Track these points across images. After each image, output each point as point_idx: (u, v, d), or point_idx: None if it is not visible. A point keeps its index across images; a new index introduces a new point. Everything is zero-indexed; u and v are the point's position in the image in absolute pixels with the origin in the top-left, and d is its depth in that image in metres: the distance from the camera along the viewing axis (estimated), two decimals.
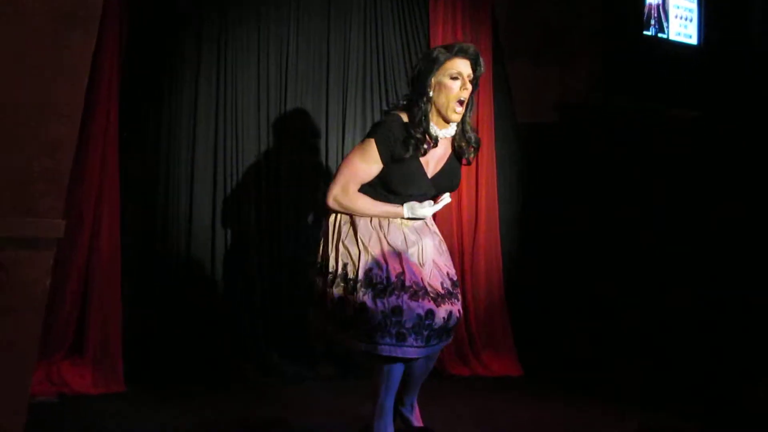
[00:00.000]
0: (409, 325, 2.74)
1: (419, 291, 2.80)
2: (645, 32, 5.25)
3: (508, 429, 3.61)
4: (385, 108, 4.69)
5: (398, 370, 2.91)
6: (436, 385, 3.91)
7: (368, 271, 2.81)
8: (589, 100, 5.02)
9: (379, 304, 2.75)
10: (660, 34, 5.32)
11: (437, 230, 3.16)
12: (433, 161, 3.02)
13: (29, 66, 1.99)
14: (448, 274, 3.01)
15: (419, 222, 3.03)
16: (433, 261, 2.96)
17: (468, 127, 3.03)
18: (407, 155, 2.90)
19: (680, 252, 4.71)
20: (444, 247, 3.12)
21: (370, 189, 2.98)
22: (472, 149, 3.06)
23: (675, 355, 4.59)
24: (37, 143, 1.98)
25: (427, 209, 2.98)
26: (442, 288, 2.91)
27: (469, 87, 2.91)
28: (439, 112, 2.93)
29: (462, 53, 2.91)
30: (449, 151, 3.07)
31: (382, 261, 2.84)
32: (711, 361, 4.38)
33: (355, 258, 2.86)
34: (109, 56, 3.89)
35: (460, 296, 3.04)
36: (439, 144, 2.99)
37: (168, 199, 4.32)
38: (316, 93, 4.67)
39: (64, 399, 3.68)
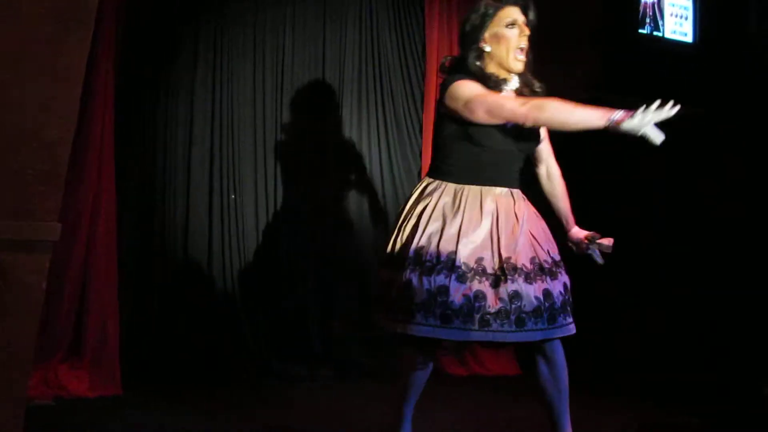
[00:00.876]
0: (456, 305, 2.56)
1: (468, 273, 2.59)
2: (641, 30, 5.26)
3: (505, 428, 3.61)
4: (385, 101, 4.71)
5: (420, 371, 2.84)
6: (433, 385, 3.91)
7: (419, 249, 2.64)
8: (587, 98, 5.02)
9: (424, 281, 2.59)
10: (655, 33, 5.33)
11: (530, 206, 2.82)
12: None
13: (26, 69, 1.99)
14: (546, 251, 2.72)
15: (503, 191, 2.73)
16: (507, 235, 2.67)
17: (530, 77, 2.82)
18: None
19: (680, 251, 4.71)
20: (541, 225, 2.80)
21: (450, 141, 2.75)
22: (537, 96, 2.78)
23: (676, 353, 4.60)
24: (33, 146, 1.98)
25: (645, 122, 2.47)
26: (531, 263, 2.65)
27: (527, 32, 2.73)
28: (500, 65, 2.75)
29: (512, 1, 2.75)
30: None
31: (437, 239, 2.63)
32: (713, 359, 4.40)
33: (411, 237, 2.68)
34: (104, 59, 3.87)
35: (562, 272, 2.72)
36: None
37: (165, 201, 4.32)
38: (312, 94, 4.66)
39: (61, 402, 3.65)
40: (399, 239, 2.73)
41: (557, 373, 2.73)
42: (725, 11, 5.44)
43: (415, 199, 2.77)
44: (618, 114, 2.48)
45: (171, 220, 4.33)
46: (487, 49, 2.73)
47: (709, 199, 4.68)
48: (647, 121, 2.47)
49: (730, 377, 4.24)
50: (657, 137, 2.49)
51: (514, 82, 2.79)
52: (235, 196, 4.46)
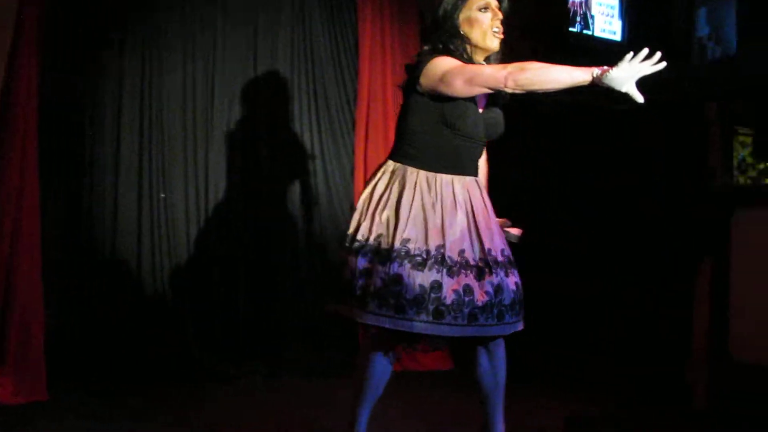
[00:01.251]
0: (448, 302, 2.53)
1: (454, 266, 2.57)
2: (571, 29, 5.34)
3: (437, 423, 3.63)
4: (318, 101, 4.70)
5: (384, 368, 2.77)
6: None
7: (405, 242, 2.56)
8: (517, 96, 5.09)
9: (417, 277, 2.53)
10: (585, 31, 5.41)
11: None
12: (476, 100, 2.76)
13: None
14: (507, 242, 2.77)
15: (470, 180, 2.74)
16: (485, 226, 2.68)
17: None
18: None
19: (606, 244, 4.80)
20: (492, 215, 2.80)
21: (421, 124, 2.70)
22: None
23: (606, 344, 4.69)
24: None
25: (628, 77, 2.49)
26: (502, 255, 2.68)
27: (500, 15, 2.74)
28: (476, 47, 2.73)
29: None
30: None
31: (423, 230, 2.59)
32: (643, 350, 4.49)
33: (392, 227, 2.60)
34: (26, 58, 3.77)
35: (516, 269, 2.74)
36: None
37: (92, 200, 4.24)
38: (244, 91, 4.62)
39: None
40: (374, 226, 2.64)
41: (497, 366, 2.77)
42: (652, 9, 5.56)
43: (386, 184, 2.71)
44: (602, 69, 2.50)
45: (99, 220, 4.25)
46: (462, 32, 2.72)
47: (630, 192, 4.77)
48: (633, 73, 2.50)
49: (656, 368, 4.34)
50: (638, 96, 2.52)
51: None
52: (164, 194, 4.39)
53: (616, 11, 5.54)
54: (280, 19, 4.72)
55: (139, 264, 4.32)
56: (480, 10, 2.72)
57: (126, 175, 4.31)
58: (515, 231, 2.85)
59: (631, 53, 2.50)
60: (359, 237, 2.65)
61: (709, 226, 4.06)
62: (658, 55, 2.51)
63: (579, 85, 2.54)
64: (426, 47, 2.77)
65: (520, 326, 2.71)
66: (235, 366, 4.37)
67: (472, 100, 2.70)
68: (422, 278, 2.53)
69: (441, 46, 2.72)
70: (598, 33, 5.48)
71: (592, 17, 5.45)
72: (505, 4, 2.78)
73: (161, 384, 4.08)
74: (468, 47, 2.73)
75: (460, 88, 2.60)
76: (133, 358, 4.16)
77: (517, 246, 2.82)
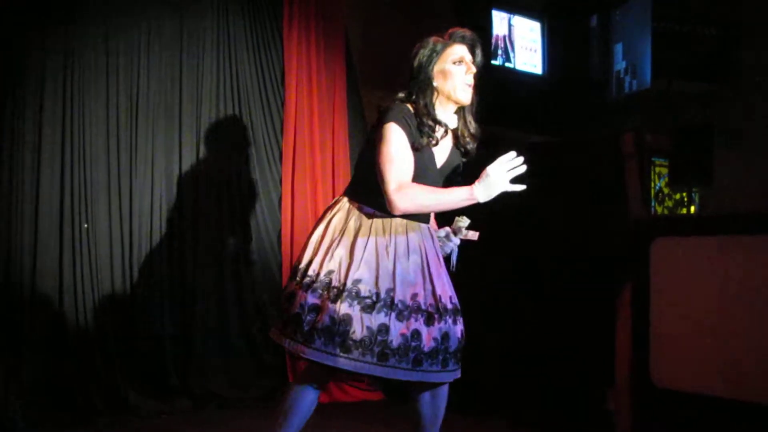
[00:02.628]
0: (394, 345, 2.58)
1: (404, 311, 2.61)
2: (493, 62, 5.45)
3: None
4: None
5: (312, 400, 2.77)
6: None
7: (356, 282, 2.60)
8: None
9: (365, 319, 2.57)
10: (507, 64, 5.54)
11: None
12: (438, 153, 2.83)
13: None
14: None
15: (424, 227, 2.80)
16: (437, 273, 2.75)
17: (470, 117, 2.86)
18: (423, 143, 2.73)
19: (526, 273, 4.87)
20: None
21: (376, 187, 2.71)
22: (473, 138, 2.88)
23: (527, 371, 4.74)
24: None
25: (500, 181, 2.61)
26: (451, 303, 2.74)
27: (474, 69, 2.77)
28: (448, 99, 2.78)
29: (460, 39, 2.79)
30: (451, 143, 2.88)
31: (374, 273, 2.63)
32: (565, 377, 4.56)
33: (344, 266, 2.64)
34: None
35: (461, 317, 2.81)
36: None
37: (11, 230, 4.10)
38: (168, 120, 4.57)
39: None
40: (326, 262, 2.66)
41: (438, 403, 2.82)
42: (572, 45, 5.73)
43: (343, 221, 2.73)
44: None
45: (17, 251, 4.11)
46: (435, 84, 2.76)
47: (550, 222, 4.87)
48: (501, 180, 2.61)
49: (578, 395, 4.42)
50: (517, 187, 2.65)
51: (453, 122, 2.83)
52: (87, 225, 4.29)
53: (538, 45, 5.69)
54: (205, 49, 4.69)
55: (61, 297, 4.19)
56: (454, 63, 2.76)
57: (47, 204, 4.19)
58: (473, 233, 2.92)
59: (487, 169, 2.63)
60: (310, 272, 2.68)
61: (628, 255, 4.16)
62: (512, 153, 2.64)
63: (464, 204, 2.66)
64: (400, 94, 2.81)
65: (459, 374, 2.76)
66: (162, 401, 4.27)
67: (430, 157, 2.78)
68: (370, 320, 2.57)
69: (412, 96, 2.78)
70: (519, 66, 5.62)
71: (514, 50, 5.59)
72: (479, 58, 2.82)
73: (87, 421, 3.97)
74: (438, 99, 2.78)
75: (377, 172, 2.68)
76: (53, 395, 4.03)
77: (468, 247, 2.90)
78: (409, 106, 2.77)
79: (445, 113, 2.81)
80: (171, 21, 4.59)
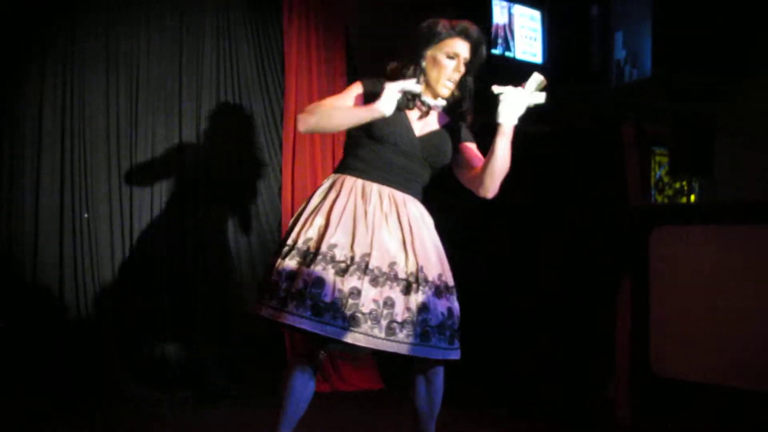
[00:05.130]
0: (365, 310, 2.51)
1: (380, 277, 2.56)
2: (493, 51, 5.43)
3: None
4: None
5: (304, 382, 2.72)
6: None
7: (332, 246, 2.57)
8: None
9: (338, 282, 2.52)
10: (507, 53, 5.52)
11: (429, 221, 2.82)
12: (421, 122, 2.80)
13: None
14: (446, 273, 2.74)
15: (406, 196, 2.74)
16: (421, 246, 2.67)
17: (466, 104, 2.85)
18: (401, 105, 2.72)
19: (527, 263, 4.88)
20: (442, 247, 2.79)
21: (355, 134, 2.77)
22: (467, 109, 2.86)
23: (527, 362, 4.76)
24: None
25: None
26: (439, 279, 2.66)
27: (462, 70, 2.76)
28: (428, 85, 2.78)
29: (465, 35, 2.75)
30: (442, 122, 2.84)
31: (350, 238, 2.59)
32: (565, 367, 4.57)
33: (321, 231, 2.62)
34: None
35: (456, 299, 2.73)
36: (430, 113, 2.81)
37: (11, 220, 4.12)
38: (168, 110, 4.56)
39: None
40: (304, 231, 2.65)
41: (433, 395, 2.78)
42: (570, 34, 5.71)
43: (324, 193, 2.74)
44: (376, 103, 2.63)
45: (18, 241, 4.12)
46: (423, 65, 2.76)
47: (550, 211, 4.87)
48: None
49: (578, 385, 4.43)
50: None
51: (441, 102, 2.81)
52: (87, 214, 4.29)
53: (538, 34, 5.67)
54: (205, 37, 4.68)
55: (61, 286, 4.21)
56: (447, 56, 2.74)
57: (47, 193, 4.20)
58: (540, 95, 2.70)
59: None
60: (289, 242, 2.67)
61: (629, 244, 4.16)
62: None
63: (367, 120, 2.67)
64: (391, 64, 2.84)
65: (454, 355, 2.66)
66: (163, 392, 4.28)
67: (404, 120, 2.76)
68: (342, 283, 2.53)
69: (394, 66, 2.81)
70: (519, 55, 5.59)
71: (514, 39, 5.57)
72: (479, 59, 2.80)
73: (86, 412, 3.95)
74: (421, 79, 2.77)
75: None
76: (55, 384, 4.04)
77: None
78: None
79: (429, 94, 2.80)
80: (171, 9, 4.57)
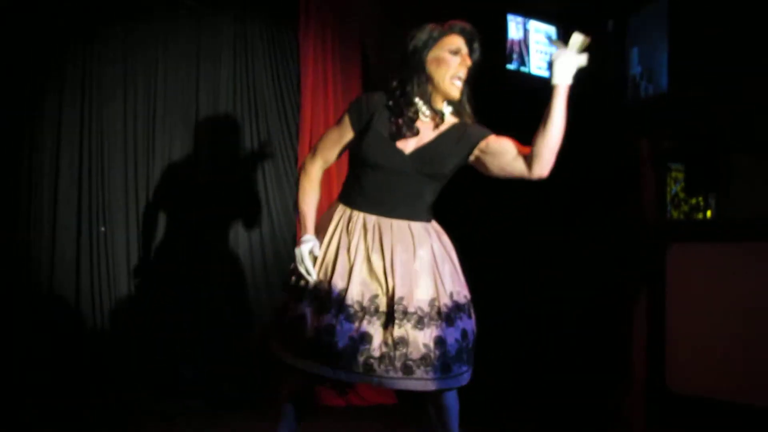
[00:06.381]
0: (340, 347, 2.48)
1: (358, 312, 2.52)
2: (508, 66, 5.45)
3: None
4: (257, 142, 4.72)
5: (301, 404, 2.78)
6: (311, 418, 3.89)
7: (317, 283, 2.59)
8: None
9: (315, 320, 2.54)
10: (522, 68, 5.53)
11: (443, 240, 2.75)
12: (415, 139, 2.70)
13: None
14: (449, 294, 2.63)
15: (396, 223, 2.67)
16: (405, 275, 2.59)
17: (467, 108, 2.75)
18: (380, 127, 2.66)
19: (543, 277, 4.87)
20: (449, 264, 2.70)
21: (354, 166, 2.77)
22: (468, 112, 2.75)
23: (543, 375, 4.74)
24: None
25: (305, 254, 2.65)
26: (428, 307, 2.57)
27: (468, 63, 2.68)
28: (436, 89, 2.68)
29: (459, 30, 2.71)
30: (439, 131, 2.72)
31: (330, 273, 2.59)
32: (580, 381, 4.55)
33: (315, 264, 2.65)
34: None
35: (462, 317, 2.62)
36: (429, 125, 2.71)
37: (30, 233, 4.16)
38: (185, 128, 4.61)
39: None
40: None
41: (447, 419, 2.70)
42: (585, 49, 5.71)
43: (325, 221, 2.77)
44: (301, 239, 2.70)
45: (36, 254, 4.17)
46: (428, 70, 2.68)
47: (566, 226, 4.87)
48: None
49: (593, 400, 4.41)
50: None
51: (447, 108, 2.74)
52: (104, 228, 4.33)
53: (554, 50, 5.67)
54: (222, 56, 4.72)
55: (78, 299, 4.24)
56: (450, 52, 2.68)
57: (65, 206, 4.25)
58: (582, 57, 2.63)
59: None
60: (292, 276, 2.72)
61: (646, 260, 4.15)
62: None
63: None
64: (393, 84, 2.74)
65: (448, 384, 2.56)
66: (175, 402, 4.31)
67: (382, 133, 2.68)
68: (319, 321, 2.54)
69: (396, 83, 2.72)
70: (534, 71, 5.60)
71: (528, 55, 5.58)
72: (476, 54, 2.73)
73: (100, 422, 3.98)
74: (429, 87, 2.70)
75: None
76: (71, 396, 4.07)
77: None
78: (385, 94, 2.73)
79: (434, 103, 2.72)
80: (188, 29, 4.63)
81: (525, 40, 5.55)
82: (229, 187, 4.69)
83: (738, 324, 3.65)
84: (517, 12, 5.51)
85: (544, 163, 2.63)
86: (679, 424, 3.88)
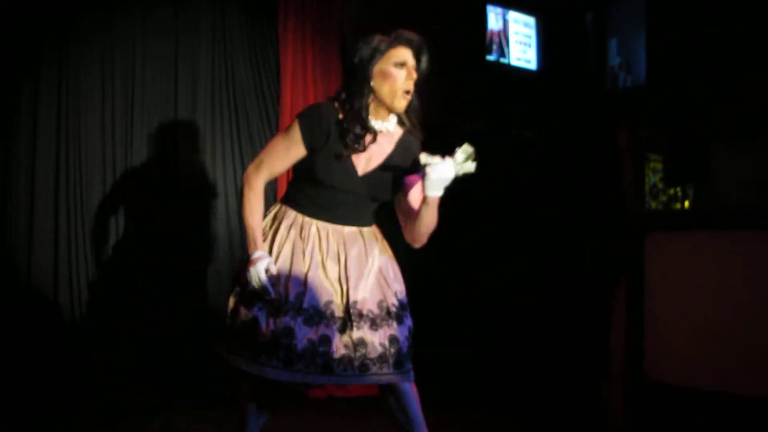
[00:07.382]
0: (299, 349, 2.51)
1: (315, 316, 2.54)
2: (488, 57, 5.46)
3: None
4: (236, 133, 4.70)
5: (262, 407, 2.80)
6: (294, 410, 3.90)
7: (272, 287, 2.57)
8: (434, 122, 5.17)
9: (270, 323, 2.53)
10: (501, 59, 5.55)
11: (384, 243, 2.81)
12: (365, 158, 2.71)
13: None
14: (394, 293, 2.70)
15: (348, 230, 2.71)
16: (357, 279, 2.64)
17: (414, 121, 2.75)
18: (334, 146, 2.64)
19: (523, 266, 4.90)
20: (391, 265, 2.76)
21: (303, 177, 2.73)
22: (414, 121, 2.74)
23: (522, 364, 4.77)
24: None
25: (261, 273, 2.57)
26: (378, 308, 2.63)
27: (414, 76, 2.66)
28: (382, 103, 2.68)
29: (405, 42, 2.67)
30: (388, 151, 2.75)
31: (286, 276, 2.59)
32: (559, 370, 4.58)
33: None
34: None
35: (408, 316, 2.70)
36: (377, 140, 2.71)
37: (7, 239, 4.13)
38: (164, 119, 4.57)
39: None
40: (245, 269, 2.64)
41: (405, 404, 2.71)
42: (565, 40, 5.74)
43: (268, 224, 2.74)
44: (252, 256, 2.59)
45: (12, 246, 4.14)
46: (372, 84, 2.67)
47: (546, 215, 4.90)
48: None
49: (571, 388, 4.45)
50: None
51: (391, 124, 2.74)
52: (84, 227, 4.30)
53: (533, 41, 5.70)
54: (200, 45, 4.68)
55: (56, 293, 4.21)
56: (395, 65, 2.66)
57: (42, 197, 4.21)
58: (471, 165, 2.59)
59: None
60: (236, 276, 2.71)
61: (624, 249, 4.18)
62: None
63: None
64: (340, 93, 2.75)
65: (400, 379, 2.62)
66: (160, 398, 4.28)
67: (346, 163, 2.68)
68: (276, 324, 2.53)
69: (344, 95, 2.72)
70: (513, 62, 5.63)
71: (508, 46, 5.60)
72: (424, 65, 2.71)
73: (85, 418, 3.95)
74: (375, 101, 2.70)
75: None
76: (51, 390, 4.04)
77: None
78: (336, 106, 2.71)
79: (379, 117, 2.72)
80: (166, 16, 4.59)
81: (504, 31, 5.57)
82: (208, 177, 4.67)
83: (716, 312, 3.68)
84: (496, 3, 5.53)
85: (416, 243, 2.77)
86: (659, 413, 3.91)
